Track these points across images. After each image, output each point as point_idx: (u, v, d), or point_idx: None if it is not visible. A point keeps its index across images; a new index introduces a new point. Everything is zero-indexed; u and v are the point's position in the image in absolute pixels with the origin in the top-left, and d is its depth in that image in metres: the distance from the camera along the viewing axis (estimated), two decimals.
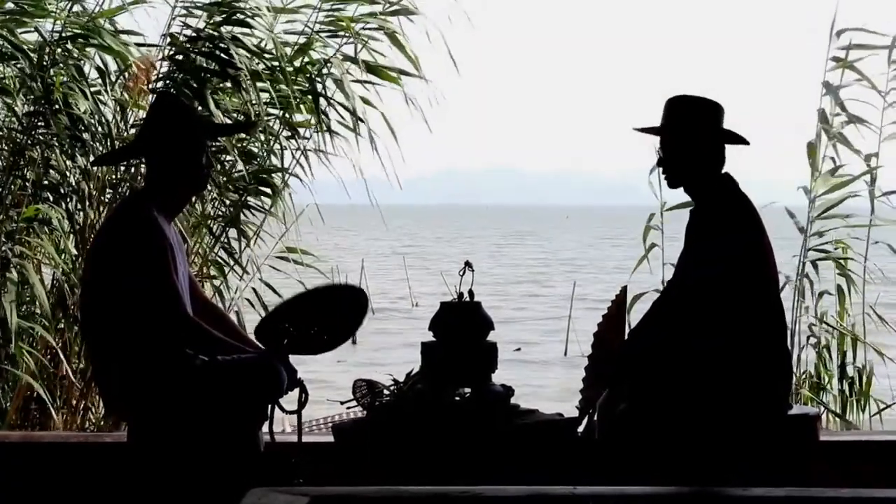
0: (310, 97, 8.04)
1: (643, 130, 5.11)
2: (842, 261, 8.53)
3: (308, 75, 8.08)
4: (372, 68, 8.17)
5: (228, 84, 7.89)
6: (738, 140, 5.05)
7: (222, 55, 7.83)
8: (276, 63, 7.92)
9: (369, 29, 8.16)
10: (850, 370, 8.58)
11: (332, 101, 8.09)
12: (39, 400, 7.38)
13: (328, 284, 5.36)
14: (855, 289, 8.55)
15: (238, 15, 7.94)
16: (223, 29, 7.93)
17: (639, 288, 8.16)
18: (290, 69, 8.01)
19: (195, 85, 7.78)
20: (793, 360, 8.20)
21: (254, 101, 7.81)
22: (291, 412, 5.03)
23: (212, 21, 7.96)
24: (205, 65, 7.90)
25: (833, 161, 8.54)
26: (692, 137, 4.98)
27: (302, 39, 8.20)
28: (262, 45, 8.00)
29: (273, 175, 8.16)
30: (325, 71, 8.07)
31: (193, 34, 7.94)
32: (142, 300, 4.73)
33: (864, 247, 8.62)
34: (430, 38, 8.08)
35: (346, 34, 8.12)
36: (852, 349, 8.58)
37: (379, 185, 8.26)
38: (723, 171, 5.03)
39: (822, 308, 8.60)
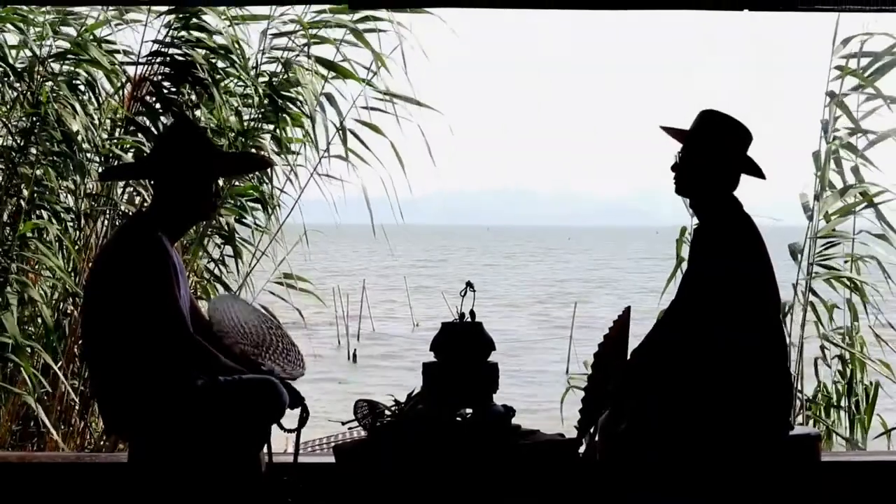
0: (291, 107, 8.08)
1: (668, 132, 5.12)
2: (847, 279, 8.50)
3: (268, 79, 8.10)
4: (328, 64, 8.18)
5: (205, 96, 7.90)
6: (756, 172, 5.07)
7: (185, 59, 7.87)
8: (234, 60, 7.95)
9: (328, 27, 8.16)
10: (853, 389, 8.54)
11: (298, 103, 8.09)
12: (38, 419, 7.36)
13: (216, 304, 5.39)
14: (848, 307, 8.51)
15: (194, 19, 7.97)
16: (184, 34, 7.97)
17: (645, 308, 8.12)
18: (246, 66, 8.03)
19: (177, 99, 7.83)
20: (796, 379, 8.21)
21: (224, 108, 7.83)
22: (291, 430, 5.01)
23: (173, 27, 8.00)
24: (168, 71, 7.94)
25: (855, 172, 8.44)
26: (710, 154, 4.99)
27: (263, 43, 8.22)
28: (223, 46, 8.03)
29: (263, 192, 8.17)
30: (288, 74, 8.09)
31: (162, 47, 7.97)
32: (145, 320, 4.72)
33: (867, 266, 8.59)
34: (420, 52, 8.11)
35: (301, 32, 8.13)
36: (852, 367, 8.54)
37: (375, 205, 8.26)
38: (732, 193, 5.05)
39: (826, 326, 8.56)
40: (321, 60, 8.19)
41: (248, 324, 5.25)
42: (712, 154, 5.02)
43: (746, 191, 5.10)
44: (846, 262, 8.56)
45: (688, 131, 5.08)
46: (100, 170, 7.70)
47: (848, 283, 8.48)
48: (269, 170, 8.03)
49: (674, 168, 5.09)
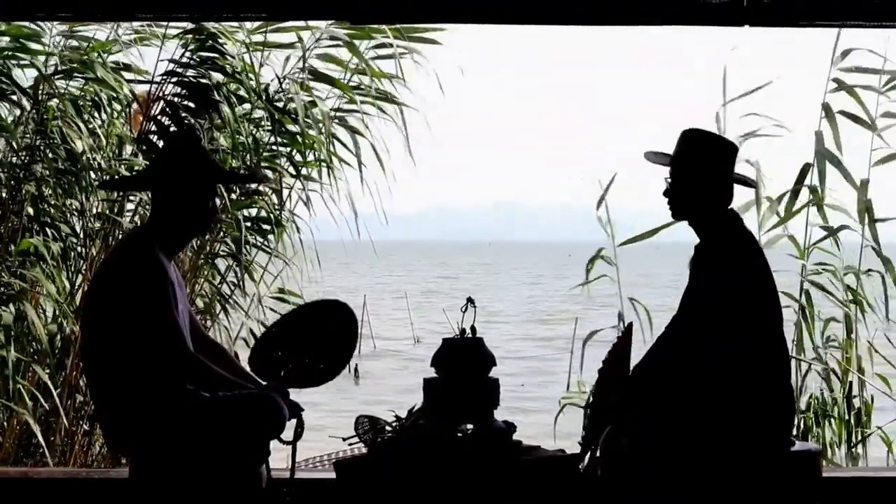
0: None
1: (653, 159, 5.12)
2: (848, 291, 8.52)
3: (267, 92, 8.12)
4: (321, 77, 8.20)
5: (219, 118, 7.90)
6: (745, 182, 5.07)
7: (200, 80, 7.89)
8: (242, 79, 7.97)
9: (325, 41, 8.20)
10: (849, 402, 8.55)
11: (296, 118, 8.11)
12: (40, 436, 7.36)
13: (311, 302, 5.39)
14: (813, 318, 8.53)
15: (210, 42, 7.97)
16: (200, 55, 7.99)
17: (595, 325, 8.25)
18: (265, 92, 8.05)
19: (189, 119, 7.84)
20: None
21: (241, 133, 7.85)
22: (287, 443, 5.01)
23: (189, 48, 8.00)
24: (182, 94, 7.95)
25: (863, 189, 8.44)
26: (700, 174, 4.98)
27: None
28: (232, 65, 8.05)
29: (273, 213, 8.17)
30: (282, 87, 8.11)
31: (178, 68, 7.97)
32: (143, 337, 4.73)
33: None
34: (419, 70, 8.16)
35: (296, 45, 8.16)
36: (842, 380, 8.56)
37: (375, 221, 8.27)
38: (729, 208, 5.05)
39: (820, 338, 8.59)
40: (313, 72, 8.21)
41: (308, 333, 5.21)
42: (699, 174, 5.01)
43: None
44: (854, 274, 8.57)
45: (672, 155, 5.07)
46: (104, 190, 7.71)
47: (851, 292, 8.52)
48: (283, 192, 8.08)
49: (665, 193, 5.08)
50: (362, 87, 8.29)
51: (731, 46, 8.84)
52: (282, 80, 8.14)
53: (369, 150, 8.24)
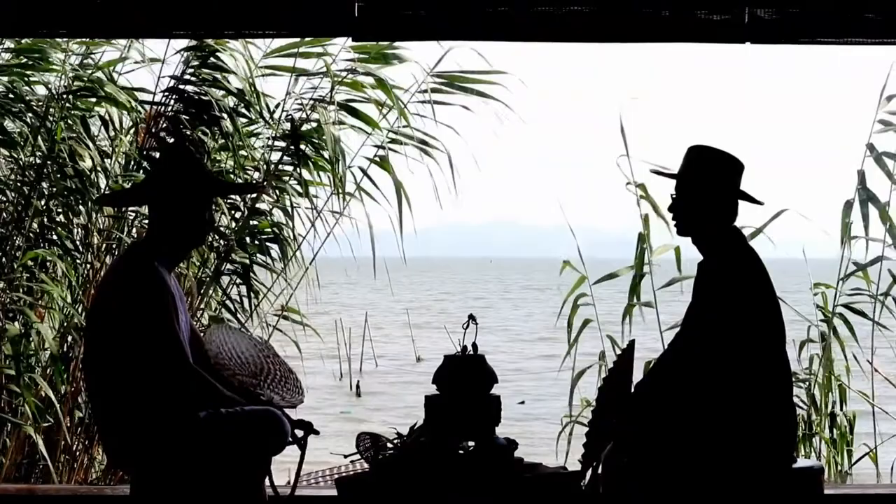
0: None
1: (659, 174, 5.12)
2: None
3: (289, 118, 8.11)
4: (349, 109, 8.21)
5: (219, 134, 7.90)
6: (752, 199, 5.07)
7: (202, 97, 7.89)
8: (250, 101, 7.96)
9: (347, 70, 8.18)
10: (835, 418, 8.59)
11: (316, 144, 8.10)
12: (42, 452, 7.36)
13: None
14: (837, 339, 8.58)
15: (213, 59, 7.97)
16: (202, 72, 7.98)
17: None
18: (262, 110, 8.04)
19: (194, 136, 7.84)
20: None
21: (243, 149, 7.86)
22: (297, 441, 4.99)
23: (191, 65, 8.00)
24: (186, 110, 7.95)
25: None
26: (706, 191, 4.99)
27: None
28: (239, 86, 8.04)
29: (280, 233, 8.18)
30: (304, 114, 8.11)
31: (179, 84, 7.97)
32: (145, 353, 4.73)
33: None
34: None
35: (325, 75, 8.15)
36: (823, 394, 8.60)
37: (379, 237, 8.27)
38: (732, 225, 5.05)
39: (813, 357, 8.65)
40: (344, 106, 8.20)
41: (244, 353, 5.25)
42: (703, 191, 5.01)
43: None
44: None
45: (678, 171, 5.08)
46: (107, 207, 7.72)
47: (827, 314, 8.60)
48: (291, 212, 8.09)
49: (671, 208, 5.09)
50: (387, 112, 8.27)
51: (632, 96, 8.96)
52: (305, 105, 8.12)
53: (384, 175, 8.24)
